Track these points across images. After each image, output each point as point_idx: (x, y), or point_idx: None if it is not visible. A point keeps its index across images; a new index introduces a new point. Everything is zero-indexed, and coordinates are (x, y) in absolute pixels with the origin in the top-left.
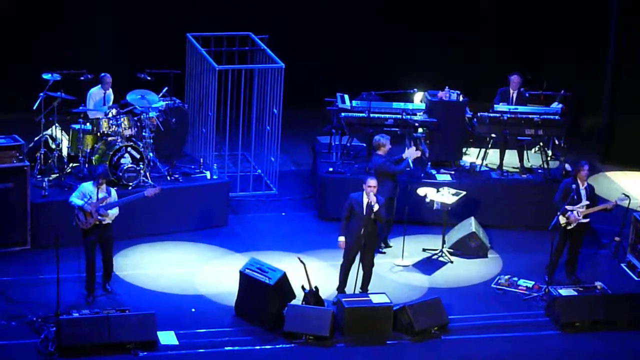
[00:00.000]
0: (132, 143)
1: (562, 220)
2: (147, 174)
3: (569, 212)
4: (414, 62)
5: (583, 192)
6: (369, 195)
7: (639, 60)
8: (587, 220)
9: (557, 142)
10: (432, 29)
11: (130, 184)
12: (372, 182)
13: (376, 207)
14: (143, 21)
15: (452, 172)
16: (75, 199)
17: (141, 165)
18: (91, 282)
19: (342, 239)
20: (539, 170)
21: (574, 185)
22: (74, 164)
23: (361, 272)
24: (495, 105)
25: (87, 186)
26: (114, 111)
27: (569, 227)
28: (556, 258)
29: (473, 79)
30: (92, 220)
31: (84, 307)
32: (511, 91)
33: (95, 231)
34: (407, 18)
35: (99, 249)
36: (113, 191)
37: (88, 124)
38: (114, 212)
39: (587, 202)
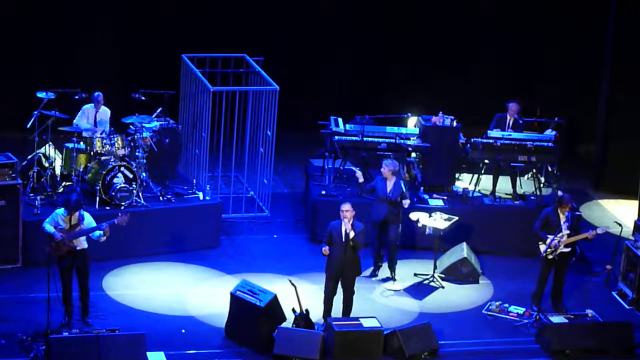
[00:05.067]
0: (125, 163)
1: (542, 248)
2: (140, 194)
3: (550, 241)
4: (409, 86)
5: (564, 224)
6: (345, 223)
7: (633, 88)
8: (569, 249)
9: (550, 169)
10: (428, 54)
11: (123, 203)
12: (345, 206)
13: (352, 234)
14: (138, 41)
15: (445, 198)
16: (48, 226)
17: (134, 185)
18: (68, 308)
19: (326, 249)
20: (532, 197)
21: (553, 217)
22: (67, 183)
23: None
24: (488, 131)
25: (60, 213)
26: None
27: (549, 257)
28: (540, 287)
29: (467, 104)
30: (64, 248)
31: (74, 327)
32: (508, 117)
33: (69, 256)
34: (402, 42)
35: (75, 275)
36: (87, 216)
37: (82, 143)
38: (96, 234)
39: (568, 232)
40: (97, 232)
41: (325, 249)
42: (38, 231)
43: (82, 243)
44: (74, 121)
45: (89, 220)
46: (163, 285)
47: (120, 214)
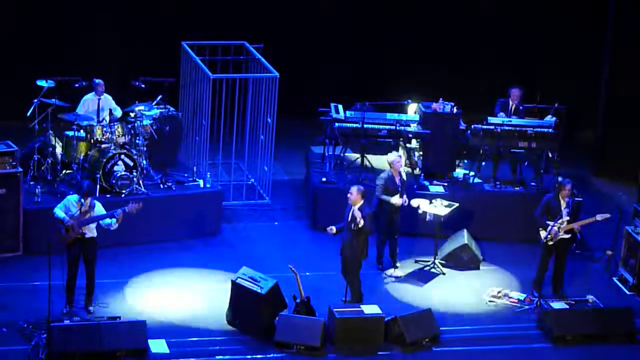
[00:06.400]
0: (125, 151)
1: (542, 234)
2: (140, 181)
3: (550, 227)
4: (409, 73)
5: (564, 210)
6: (352, 207)
7: (633, 75)
8: (569, 236)
9: (550, 155)
10: (427, 41)
11: (123, 191)
12: (351, 189)
13: (361, 223)
14: (138, 29)
15: (445, 184)
16: (59, 211)
17: (134, 173)
18: (70, 296)
19: (332, 228)
20: (532, 183)
21: (554, 203)
22: (67, 171)
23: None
24: (489, 118)
25: (72, 199)
26: (107, 118)
27: (550, 243)
28: (541, 273)
29: (467, 90)
30: (72, 234)
31: (76, 315)
32: (510, 103)
33: (78, 244)
34: (402, 29)
35: (82, 263)
36: (98, 204)
37: (82, 131)
38: (107, 221)
39: (568, 218)
40: (108, 220)
41: (330, 228)
42: (39, 219)
43: (92, 231)
44: (78, 112)
45: (99, 209)
46: (163, 272)
47: (131, 202)
